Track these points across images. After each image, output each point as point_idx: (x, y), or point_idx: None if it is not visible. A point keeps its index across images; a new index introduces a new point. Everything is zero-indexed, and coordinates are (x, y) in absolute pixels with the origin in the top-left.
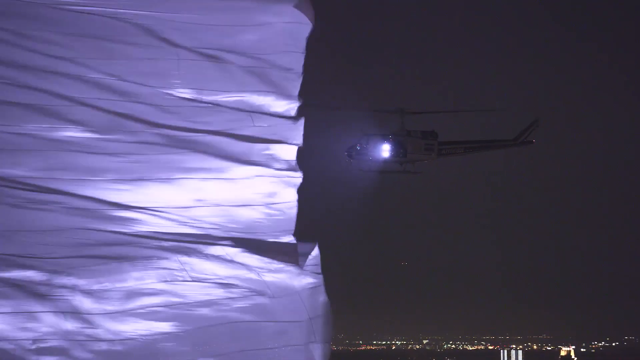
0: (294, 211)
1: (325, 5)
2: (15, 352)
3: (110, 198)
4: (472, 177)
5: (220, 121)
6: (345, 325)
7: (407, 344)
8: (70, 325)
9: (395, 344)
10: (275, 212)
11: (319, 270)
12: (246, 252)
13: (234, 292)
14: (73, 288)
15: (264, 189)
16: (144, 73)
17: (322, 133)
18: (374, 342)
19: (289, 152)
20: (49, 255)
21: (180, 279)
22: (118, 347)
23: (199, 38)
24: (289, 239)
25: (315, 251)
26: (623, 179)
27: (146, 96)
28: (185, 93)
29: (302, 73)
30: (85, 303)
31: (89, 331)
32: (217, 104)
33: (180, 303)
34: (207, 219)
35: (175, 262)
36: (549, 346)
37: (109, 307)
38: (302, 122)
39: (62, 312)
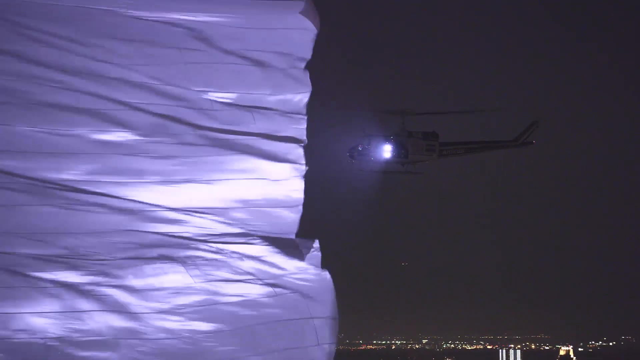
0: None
1: (326, 6)
2: (64, 350)
3: (155, 200)
4: (473, 178)
5: (261, 123)
6: (345, 324)
7: (406, 344)
8: (117, 324)
9: (395, 344)
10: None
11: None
12: (281, 253)
13: (273, 292)
14: (119, 287)
15: (300, 189)
16: (188, 76)
17: (323, 133)
18: (374, 342)
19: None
20: (96, 256)
21: (222, 279)
22: (164, 346)
23: (241, 40)
24: (311, 241)
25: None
26: (623, 179)
27: (189, 99)
28: (227, 96)
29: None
30: (132, 302)
31: (136, 330)
32: (257, 107)
33: (223, 302)
34: (248, 220)
35: (217, 262)
36: (547, 346)
37: (155, 306)
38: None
39: (110, 311)
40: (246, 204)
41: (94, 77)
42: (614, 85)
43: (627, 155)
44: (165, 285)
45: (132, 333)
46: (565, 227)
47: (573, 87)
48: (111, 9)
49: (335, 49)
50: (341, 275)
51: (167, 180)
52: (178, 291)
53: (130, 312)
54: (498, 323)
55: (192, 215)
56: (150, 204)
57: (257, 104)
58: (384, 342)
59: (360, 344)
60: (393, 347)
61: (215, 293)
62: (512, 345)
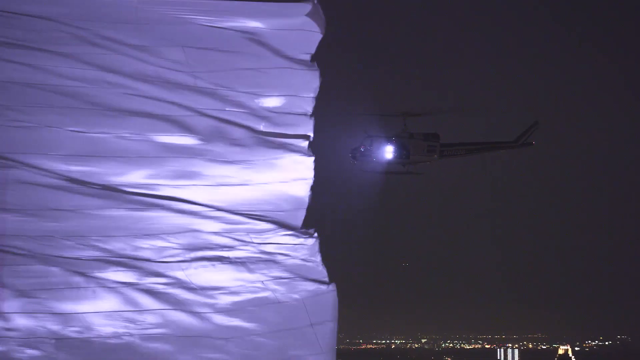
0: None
1: (326, 6)
2: (123, 348)
3: (216, 202)
4: (473, 178)
5: (304, 125)
6: (345, 324)
7: (406, 343)
8: (177, 321)
9: (395, 343)
10: None
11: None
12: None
13: (323, 288)
14: (179, 286)
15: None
16: (244, 81)
17: (324, 133)
18: (374, 341)
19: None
20: (159, 258)
21: (276, 277)
22: (221, 343)
23: (292, 44)
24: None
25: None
26: (623, 180)
27: (246, 104)
28: (281, 99)
29: None
30: (191, 301)
31: (195, 327)
32: (309, 110)
33: (278, 302)
34: (301, 219)
35: (273, 262)
36: (544, 345)
37: (213, 304)
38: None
39: (169, 310)
40: (300, 205)
41: (166, 84)
42: (614, 85)
43: (627, 155)
44: (225, 285)
45: (191, 330)
46: (565, 227)
47: (573, 87)
48: (183, 15)
49: (336, 48)
50: (342, 275)
51: (227, 183)
52: (238, 291)
53: (189, 311)
54: (496, 323)
55: (248, 217)
56: (211, 207)
57: (310, 107)
58: (383, 341)
59: (360, 344)
60: (393, 346)
61: (275, 291)
62: (510, 345)
